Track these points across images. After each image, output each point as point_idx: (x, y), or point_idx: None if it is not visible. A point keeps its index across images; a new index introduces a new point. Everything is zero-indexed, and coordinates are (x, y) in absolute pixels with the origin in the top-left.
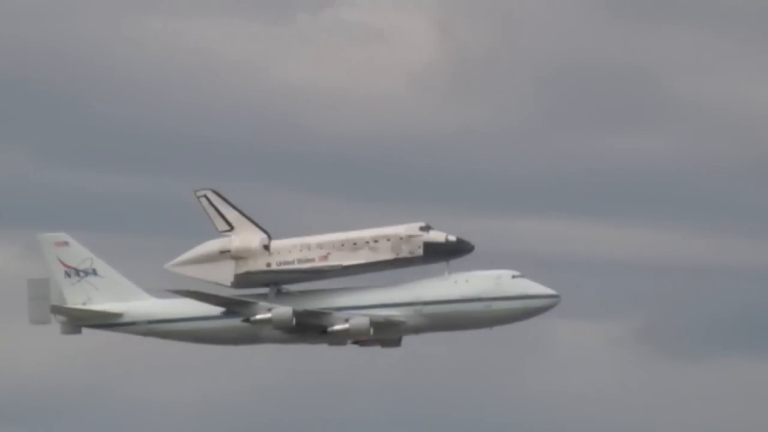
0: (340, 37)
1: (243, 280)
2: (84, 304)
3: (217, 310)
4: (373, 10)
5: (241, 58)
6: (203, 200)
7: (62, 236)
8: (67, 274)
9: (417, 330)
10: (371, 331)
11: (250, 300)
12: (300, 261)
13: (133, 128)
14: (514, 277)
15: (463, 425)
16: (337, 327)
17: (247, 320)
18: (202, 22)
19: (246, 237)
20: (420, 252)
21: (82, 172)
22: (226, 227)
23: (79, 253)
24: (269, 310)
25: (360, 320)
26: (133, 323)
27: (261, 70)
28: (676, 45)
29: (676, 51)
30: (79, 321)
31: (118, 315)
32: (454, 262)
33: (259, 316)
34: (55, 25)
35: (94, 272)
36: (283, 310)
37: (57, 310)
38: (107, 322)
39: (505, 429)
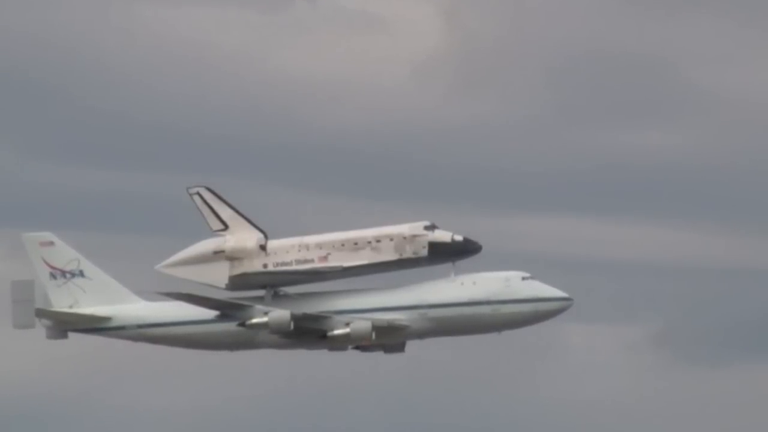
0: (340, 25)
1: (238, 281)
2: (70, 307)
3: (211, 313)
4: None
5: (236, 48)
6: (196, 198)
7: (47, 236)
8: (53, 276)
9: (421, 334)
10: (373, 335)
11: (246, 303)
12: (298, 262)
13: (123, 122)
14: (524, 278)
15: None
16: (338, 331)
17: (242, 324)
18: (194, 11)
19: (241, 237)
20: (425, 252)
21: (68, 168)
22: (221, 226)
23: (65, 254)
24: (266, 313)
25: (361, 324)
26: (123, 327)
27: (257, 61)
28: (695, 33)
29: (695, 40)
30: (65, 325)
31: (107, 318)
32: (461, 263)
33: (255, 320)
34: (41, 14)
35: (81, 274)
36: (280, 314)
37: (42, 313)
38: (95, 326)
39: None
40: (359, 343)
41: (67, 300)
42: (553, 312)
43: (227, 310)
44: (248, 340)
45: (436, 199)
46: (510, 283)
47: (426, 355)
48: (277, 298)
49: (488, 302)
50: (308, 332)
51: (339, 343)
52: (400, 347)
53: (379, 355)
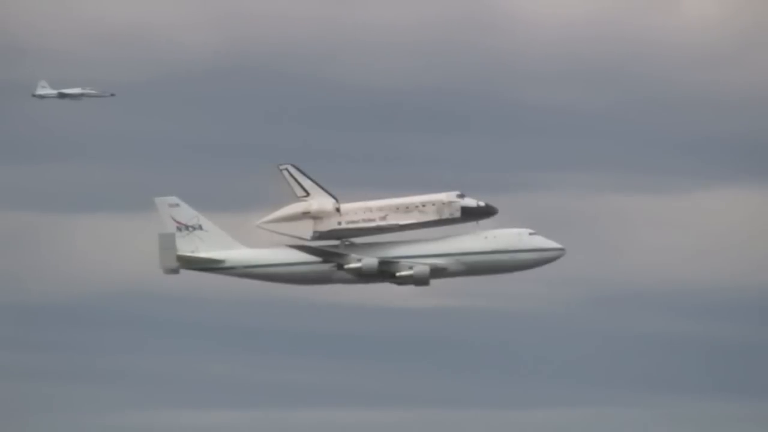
0: None
1: (319, 235)
2: (192, 252)
3: (297, 257)
4: None
5: None
6: (285, 172)
7: (174, 199)
8: (179, 229)
9: (455, 275)
10: (429, 276)
11: (343, 252)
12: (364, 221)
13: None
14: (530, 234)
15: None
16: (404, 273)
17: (340, 267)
18: None
19: (321, 201)
20: (458, 214)
21: None
22: (303, 193)
23: (187, 213)
24: (359, 260)
25: (421, 268)
26: (233, 267)
27: None
28: None
29: None
30: (189, 265)
31: (221, 261)
32: (483, 222)
33: (351, 265)
34: None
35: (200, 227)
36: (370, 260)
37: (179, 258)
38: (211, 266)
39: None
40: (418, 282)
41: (189, 247)
42: (551, 258)
43: (329, 257)
44: (327, 277)
45: None
46: (521, 237)
47: (443, 287)
48: (349, 247)
49: (506, 251)
50: (382, 273)
51: (403, 281)
52: (426, 282)
53: (411, 288)
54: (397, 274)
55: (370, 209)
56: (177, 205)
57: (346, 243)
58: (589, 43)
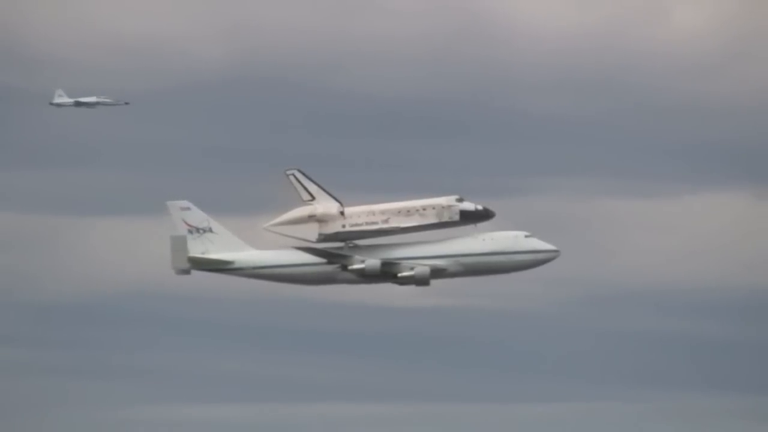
0: None
1: (324, 237)
2: (203, 253)
3: (303, 259)
4: None
5: None
6: (291, 177)
7: (185, 203)
8: (190, 232)
9: (454, 275)
10: (430, 276)
11: (347, 254)
12: (367, 224)
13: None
14: (526, 236)
15: None
16: (405, 273)
17: (344, 268)
18: None
19: (326, 205)
20: (457, 217)
21: None
22: (309, 197)
23: (198, 216)
24: (362, 261)
25: (422, 269)
26: (241, 268)
27: None
28: None
29: None
30: (199, 266)
31: (230, 262)
32: (480, 225)
33: (355, 266)
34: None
35: (210, 230)
36: (373, 262)
37: (190, 259)
38: (221, 267)
39: None
40: (419, 282)
41: (200, 248)
42: (546, 260)
43: (334, 259)
44: (331, 278)
45: None
46: (517, 240)
47: (442, 287)
48: (353, 249)
49: (503, 253)
50: (384, 274)
51: (404, 282)
52: (426, 282)
53: (412, 288)
54: (399, 274)
55: (373, 213)
56: (188, 208)
57: (350, 245)
58: (582, 53)
